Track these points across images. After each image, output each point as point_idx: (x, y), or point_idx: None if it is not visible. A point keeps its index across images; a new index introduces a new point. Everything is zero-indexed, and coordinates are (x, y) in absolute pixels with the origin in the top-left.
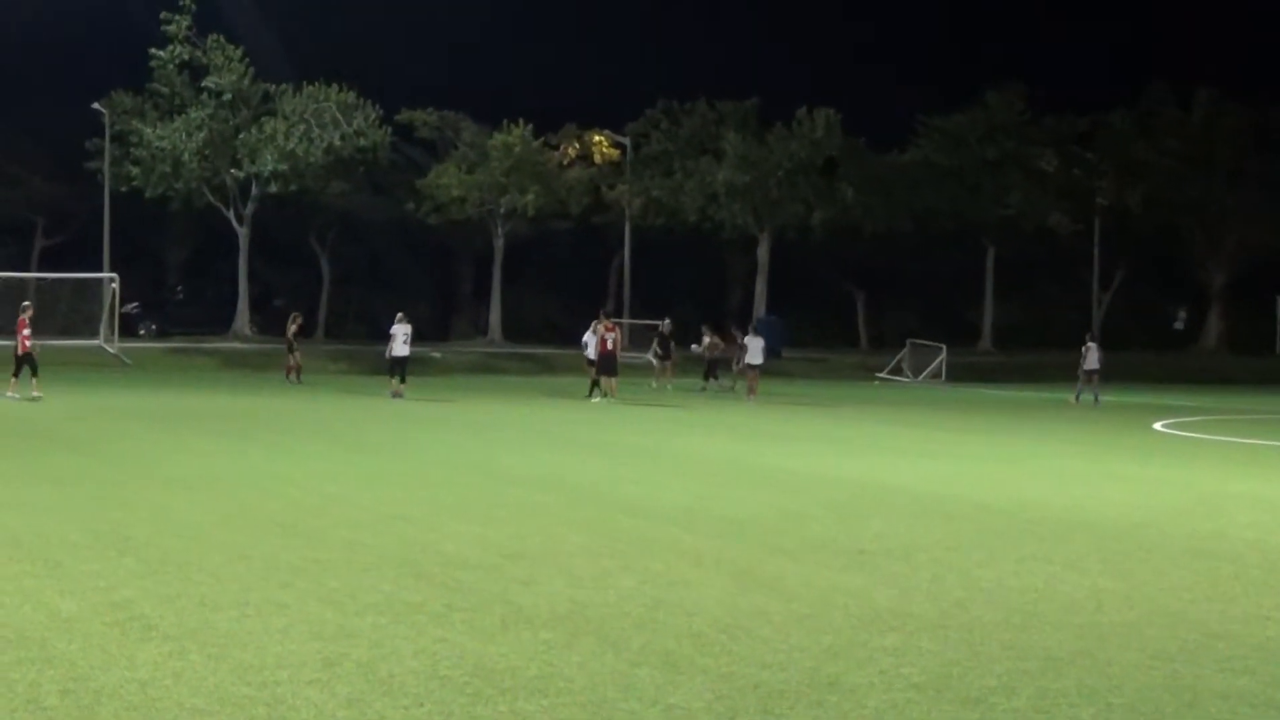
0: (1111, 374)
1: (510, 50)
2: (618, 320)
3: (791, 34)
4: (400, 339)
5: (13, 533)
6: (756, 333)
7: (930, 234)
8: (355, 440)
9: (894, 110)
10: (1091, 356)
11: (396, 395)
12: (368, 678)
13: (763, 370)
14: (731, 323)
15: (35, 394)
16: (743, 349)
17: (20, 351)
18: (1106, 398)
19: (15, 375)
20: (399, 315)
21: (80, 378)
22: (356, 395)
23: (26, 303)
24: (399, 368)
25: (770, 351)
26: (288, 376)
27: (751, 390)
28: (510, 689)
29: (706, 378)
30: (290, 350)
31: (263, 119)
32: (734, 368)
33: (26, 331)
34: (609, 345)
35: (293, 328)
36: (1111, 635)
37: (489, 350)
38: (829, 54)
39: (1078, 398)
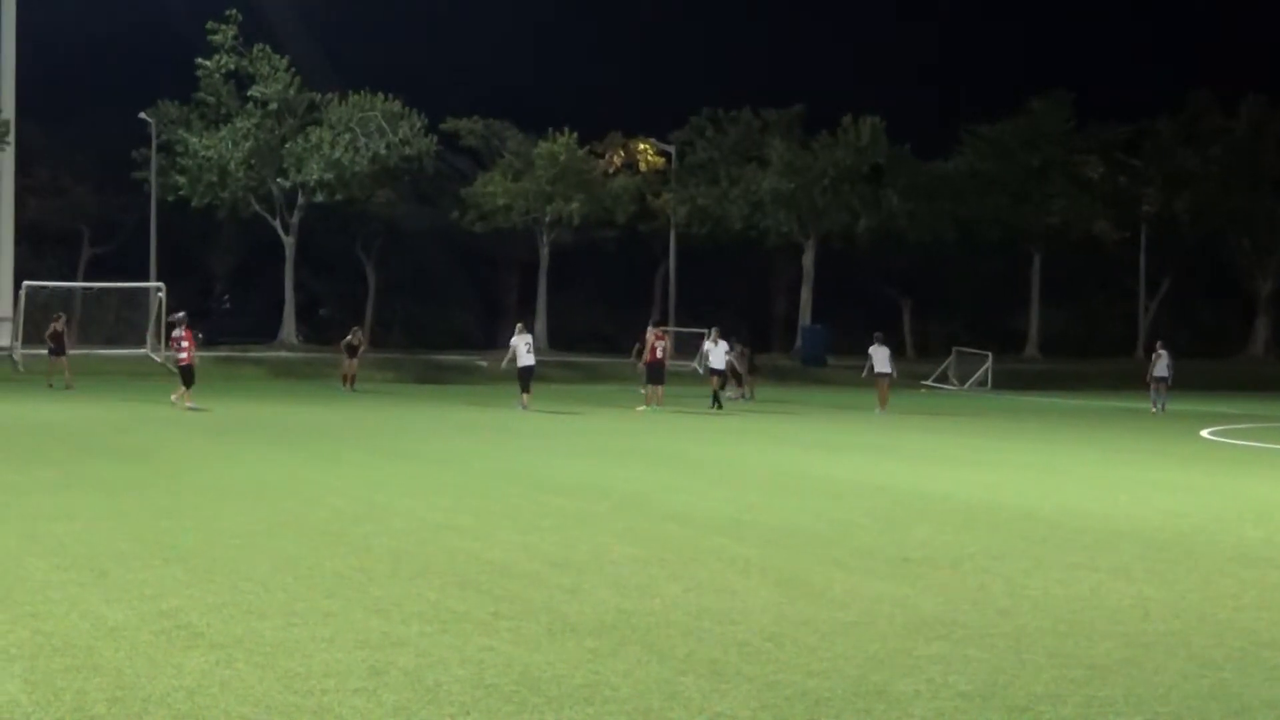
0: None
1: (555, 59)
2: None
3: (836, 42)
4: (523, 349)
5: (60, 541)
6: (881, 343)
7: (976, 242)
8: (401, 449)
9: (939, 118)
10: (1161, 364)
11: (525, 407)
12: (414, 686)
13: (809, 378)
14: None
15: (190, 405)
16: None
17: (187, 363)
18: (1150, 404)
19: (188, 386)
20: (518, 326)
21: (126, 386)
22: (402, 404)
23: (182, 313)
24: (527, 378)
25: (814, 359)
26: (345, 384)
27: (880, 402)
28: (556, 698)
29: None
30: (347, 358)
31: (308, 128)
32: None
33: (187, 343)
34: (658, 354)
35: (351, 339)
36: (1158, 643)
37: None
38: (874, 61)
39: (1155, 405)
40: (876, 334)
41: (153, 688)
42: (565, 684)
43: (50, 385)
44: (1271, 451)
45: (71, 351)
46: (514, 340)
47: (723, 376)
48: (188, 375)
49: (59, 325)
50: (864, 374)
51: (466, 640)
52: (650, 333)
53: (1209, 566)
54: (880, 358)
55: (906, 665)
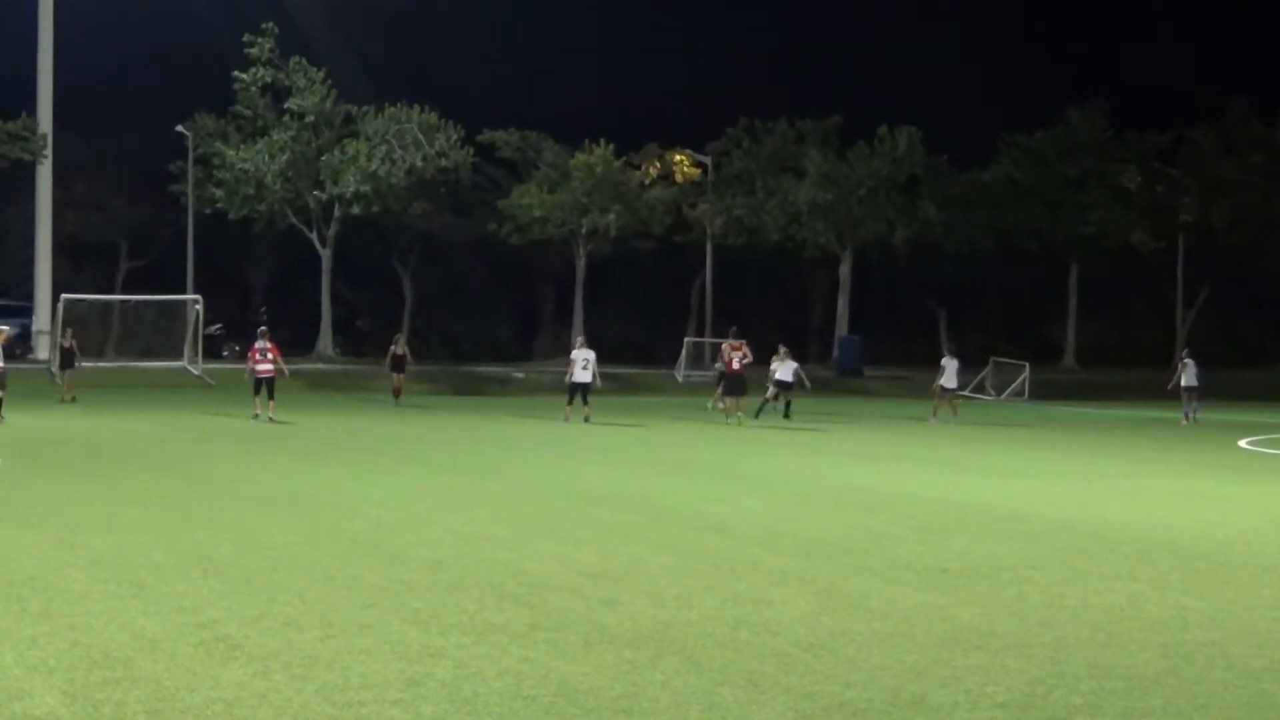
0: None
1: (591, 70)
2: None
3: (872, 52)
4: (579, 364)
5: (98, 553)
6: (953, 355)
7: (1012, 252)
8: (438, 460)
9: (976, 128)
10: (1189, 373)
11: (567, 420)
12: (451, 698)
13: (845, 389)
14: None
15: (269, 415)
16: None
17: (271, 374)
18: None
19: (271, 398)
20: (579, 340)
21: (164, 399)
22: (438, 415)
23: (264, 327)
24: (578, 393)
25: (851, 370)
26: (395, 398)
27: (954, 411)
28: (594, 709)
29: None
30: (393, 371)
31: (345, 140)
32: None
33: (273, 354)
34: (735, 365)
35: (394, 349)
36: (1197, 654)
37: None
38: (910, 71)
39: (1187, 417)
40: (949, 346)
41: (191, 700)
42: (603, 695)
43: (70, 399)
44: None
45: (109, 364)
46: (573, 354)
47: (789, 390)
48: (269, 386)
49: (66, 341)
50: (935, 385)
51: (504, 651)
52: (725, 344)
53: (1248, 577)
54: (949, 371)
55: (944, 676)
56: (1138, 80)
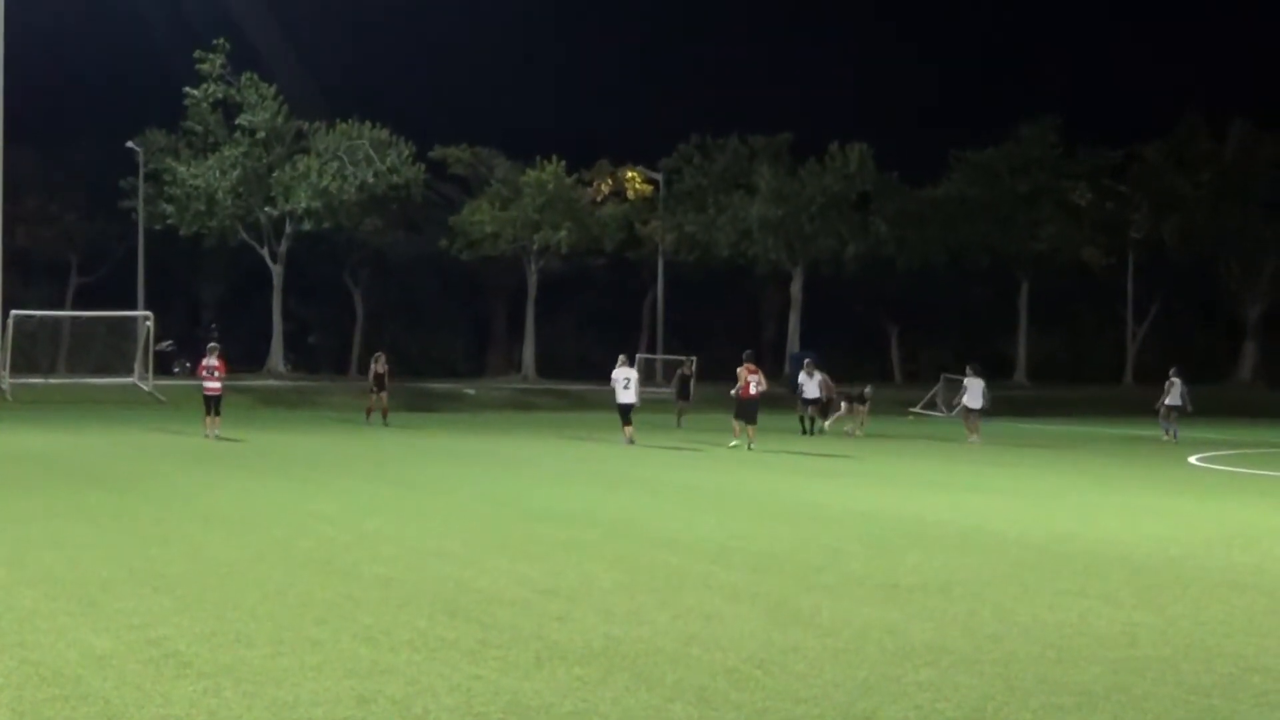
0: (1146, 407)
1: (543, 87)
2: (756, 361)
3: (824, 69)
4: (621, 384)
5: (48, 570)
6: (975, 374)
7: (964, 268)
8: (391, 476)
9: (927, 144)
10: (1175, 392)
11: (630, 441)
12: (402, 715)
13: (795, 404)
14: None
15: (216, 433)
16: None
17: (219, 393)
18: (1140, 431)
19: (218, 414)
20: (620, 358)
21: (114, 415)
22: (390, 432)
23: (214, 344)
24: (625, 415)
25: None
26: (368, 417)
27: (973, 431)
28: None
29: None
30: (374, 391)
31: (296, 156)
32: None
33: (220, 372)
34: (752, 390)
35: (375, 367)
36: (1147, 669)
37: (523, 387)
38: (862, 88)
39: (1171, 434)
40: (973, 364)
41: (141, 717)
42: (553, 712)
43: None
44: (1259, 477)
45: (59, 380)
46: (614, 373)
47: (818, 406)
48: (216, 404)
49: None
50: (953, 409)
51: (455, 668)
52: (742, 368)
53: (1198, 592)
54: (974, 390)
55: (895, 692)
56: (1089, 97)
